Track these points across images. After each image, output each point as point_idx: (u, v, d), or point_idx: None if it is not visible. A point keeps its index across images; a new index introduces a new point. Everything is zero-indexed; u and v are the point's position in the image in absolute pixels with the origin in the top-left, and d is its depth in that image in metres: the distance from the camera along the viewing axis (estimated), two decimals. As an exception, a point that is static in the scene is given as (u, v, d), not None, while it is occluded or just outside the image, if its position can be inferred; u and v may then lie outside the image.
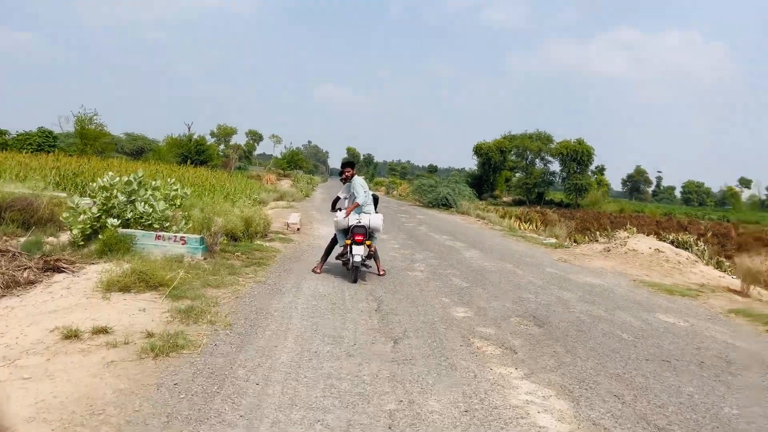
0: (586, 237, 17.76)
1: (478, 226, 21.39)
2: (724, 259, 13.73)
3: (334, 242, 8.99)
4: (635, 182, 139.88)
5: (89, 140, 45.14)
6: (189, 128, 57.70)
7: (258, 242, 10.90)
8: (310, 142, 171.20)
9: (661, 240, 14.35)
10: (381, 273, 8.89)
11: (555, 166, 71.12)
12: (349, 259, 8.27)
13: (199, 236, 8.66)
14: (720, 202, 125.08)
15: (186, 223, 9.21)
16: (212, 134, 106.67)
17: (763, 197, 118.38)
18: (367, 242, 8.38)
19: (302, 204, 26.20)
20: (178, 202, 9.28)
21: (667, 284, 10.10)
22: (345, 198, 8.82)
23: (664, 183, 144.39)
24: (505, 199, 71.17)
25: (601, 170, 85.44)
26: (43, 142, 42.45)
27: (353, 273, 8.19)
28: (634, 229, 14.92)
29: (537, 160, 72.18)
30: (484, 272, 9.87)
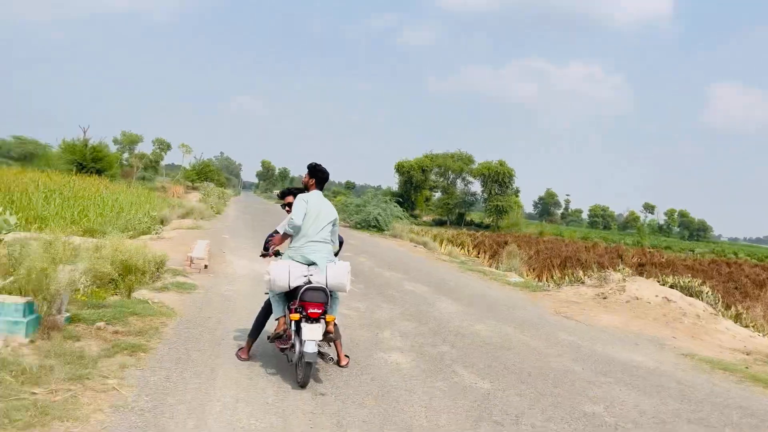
0: (564, 276, 15.13)
1: (423, 256, 18.32)
2: (740, 309, 11.38)
3: (267, 311, 5.49)
4: (545, 205, 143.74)
5: (-43, 142, 38.52)
6: (84, 132, 51.16)
7: (141, 294, 7.15)
8: (222, 153, 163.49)
9: (660, 283, 11.83)
10: (343, 364, 5.41)
11: (475, 187, 70.43)
12: (293, 346, 4.85)
13: (25, 300, 4.90)
14: (623, 225, 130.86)
15: (8, 276, 5.37)
16: (115, 141, 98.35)
17: (661, 222, 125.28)
18: (328, 317, 4.95)
19: (213, 223, 22.12)
20: (-8, 237, 5.37)
21: (713, 357, 7.37)
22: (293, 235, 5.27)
23: (572, 206, 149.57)
24: (425, 218, 69.36)
25: (516, 192, 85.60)
26: None
27: (303, 371, 4.73)
28: (629, 270, 12.32)
29: (458, 181, 71.23)
30: (486, 347, 6.68)
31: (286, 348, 4.99)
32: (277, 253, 5.56)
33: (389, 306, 8.58)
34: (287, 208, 5.53)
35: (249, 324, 5.67)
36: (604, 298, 10.99)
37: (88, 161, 46.17)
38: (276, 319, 5.21)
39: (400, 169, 67.20)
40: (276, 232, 5.58)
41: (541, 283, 13.66)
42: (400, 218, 33.70)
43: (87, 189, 23.68)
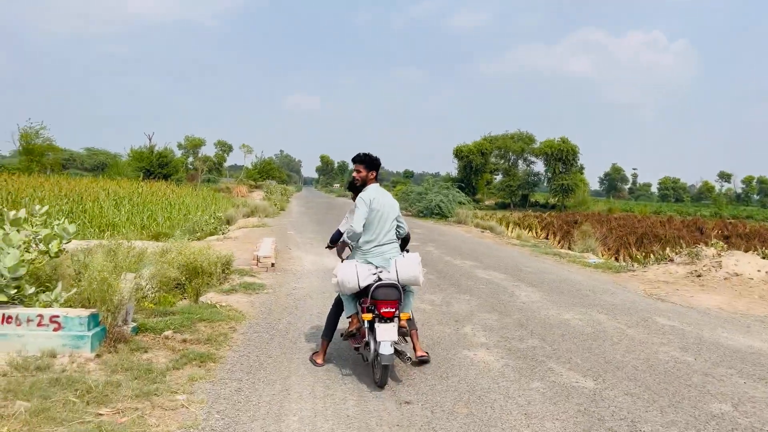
0: (646, 254, 14.12)
1: (492, 241, 17.60)
2: None
3: (338, 308, 5.06)
4: (612, 180, 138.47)
5: (35, 156, 40.45)
6: (150, 139, 52.87)
7: (209, 298, 6.91)
8: (282, 151, 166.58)
9: (760, 257, 10.73)
10: (420, 356, 4.87)
11: (538, 167, 68.35)
12: (367, 345, 4.54)
13: (89, 313, 4.67)
14: (696, 197, 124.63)
15: (71, 287, 5.17)
16: (180, 146, 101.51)
17: (739, 191, 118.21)
18: (402, 315, 4.55)
19: (277, 220, 22.15)
20: (54, 248, 5.19)
21: None
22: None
23: (640, 180, 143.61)
24: (487, 202, 67.88)
25: (580, 170, 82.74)
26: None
27: (379, 372, 4.37)
28: (722, 243, 11.26)
29: (520, 162, 69.32)
30: (580, 339, 6.05)
31: (360, 347, 4.64)
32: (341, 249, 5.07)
33: (466, 297, 8.03)
34: (355, 182, 4.99)
35: (321, 323, 5.29)
36: (699, 276, 10.05)
37: (155, 167, 47.65)
38: (348, 317, 4.87)
39: (458, 153, 65.97)
40: (339, 232, 5.10)
41: (623, 264, 12.72)
42: (463, 204, 32.91)
43: (155, 194, 24.19)
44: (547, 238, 26.15)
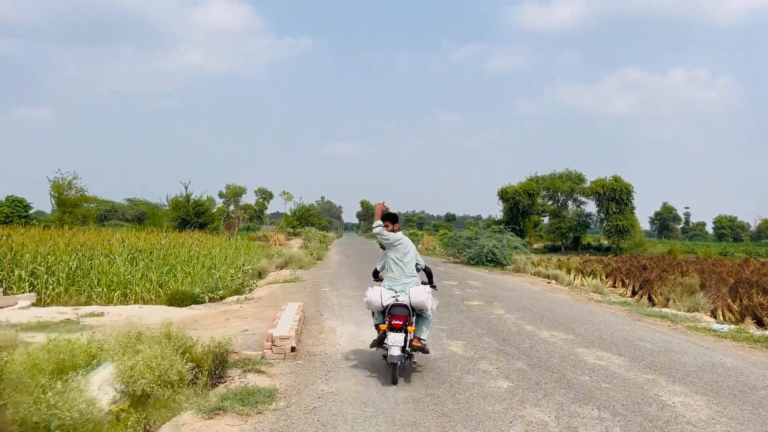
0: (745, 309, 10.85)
1: (567, 296, 14.49)
2: None
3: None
4: (663, 220, 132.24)
5: (68, 208, 39.35)
6: (186, 187, 51.52)
7: (178, 428, 4.18)
8: (323, 197, 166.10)
9: None
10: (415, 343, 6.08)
11: (589, 207, 64.47)
12: (385, 348, 5.98)
13: None
14: (755, 235, 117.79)
15: None
16: (221, 195, 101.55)
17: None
18: (410, 328, 5.94)
19: (312, 272, 19.50)
20: None
21: None
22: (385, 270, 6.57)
23: (693, 219, 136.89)
24: (535, 246, 64.13)
25: (631, 210, 78.08)
26: (11, 213, 36.51)
27: (392, 371, 5.87)
28: None
29: (569, 202, 65.64)
30: None
31: (385, 352, 6.00)
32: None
33: (594, 413, 5.04)
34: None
35: None
36: None
37: (191, 216, 46.14)
38: (375, 326, 6.34)
39: (503, 195, 62.93)
40: (377, 270, 6.84)
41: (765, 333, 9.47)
42: (518, 248, 29.78)
43: (180, 246, 21.94)
44: (615, 286, 22.94)
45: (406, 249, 6.40)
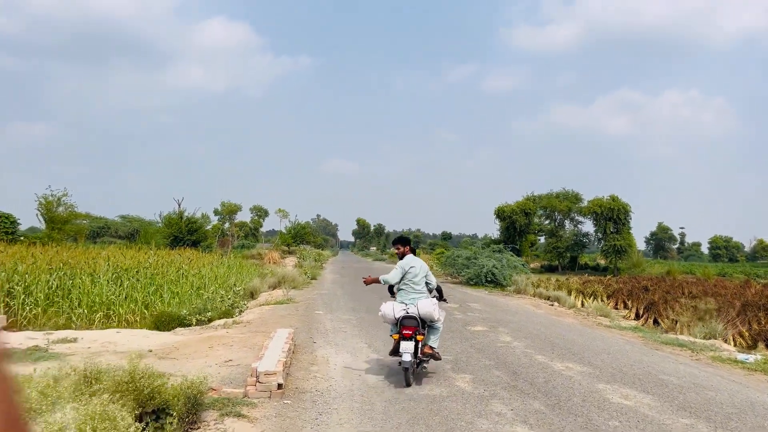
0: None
1: (574, 320, 13.73)
2: None
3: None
4: (659, 240, 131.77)
5: (56, 225, 38.43)
6: (179, 204, 50.67)
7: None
8: (319, 215, 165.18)
9: None
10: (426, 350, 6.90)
11: (586, 227, 63.80)
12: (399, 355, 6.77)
13: None
14: (750, 256, 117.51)
15: None
16: (216, 212, 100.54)
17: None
18: (419, 336, 6.73)
19: (306, 293, 18.67)
20: None
21: None
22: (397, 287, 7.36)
23: (688, 239, 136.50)
24: (532, 265, 63.35)
25: (629, 229, 77.62)
26: (-3, 229, 35.53)
27: (403, 375, 6.62)
28: None
29: (566, 222, 65.00)
30: None
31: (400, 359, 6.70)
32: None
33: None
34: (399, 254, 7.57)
35: None
36: None
37: (184, 233, 45.25)
38: (391, 335, 7.12)
39: (500, 214, 62.20)
40: (391, 285, 7.45)
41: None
42: (518, 268, 29.03)
43: (169, 264, 21.08)
44: (617, 308, 22.30)
45: (416, 272, 7.21)
